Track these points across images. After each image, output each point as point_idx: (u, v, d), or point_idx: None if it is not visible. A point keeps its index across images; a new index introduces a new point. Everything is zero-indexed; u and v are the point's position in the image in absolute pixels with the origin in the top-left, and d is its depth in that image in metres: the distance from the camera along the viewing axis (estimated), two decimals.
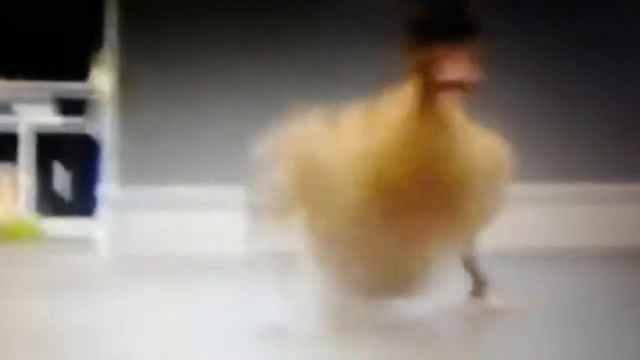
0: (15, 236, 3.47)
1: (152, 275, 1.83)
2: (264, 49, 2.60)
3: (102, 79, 3.98)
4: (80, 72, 4.29)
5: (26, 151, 4.23)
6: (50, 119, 4.28)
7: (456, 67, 1.11)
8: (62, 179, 4.34)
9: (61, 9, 4.34)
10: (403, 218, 1.14)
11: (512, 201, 1.18)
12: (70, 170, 4.32)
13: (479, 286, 1.25)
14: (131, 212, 2.39)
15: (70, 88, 4.26)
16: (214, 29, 2.67)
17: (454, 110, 1.15)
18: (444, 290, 1.16)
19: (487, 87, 1.20)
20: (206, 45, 2.63)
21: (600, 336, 1.07)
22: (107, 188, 2.50)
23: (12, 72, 4.27)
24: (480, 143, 1.19)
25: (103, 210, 2.52)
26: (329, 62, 2.51)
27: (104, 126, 3.62)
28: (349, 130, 1.18)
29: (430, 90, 1.12)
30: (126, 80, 2.82)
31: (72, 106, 4.29)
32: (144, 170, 2.48)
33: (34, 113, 4.25)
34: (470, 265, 1.26)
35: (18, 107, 4.26)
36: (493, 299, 1.23)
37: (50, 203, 4.22)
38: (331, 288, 1.15)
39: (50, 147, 4.28)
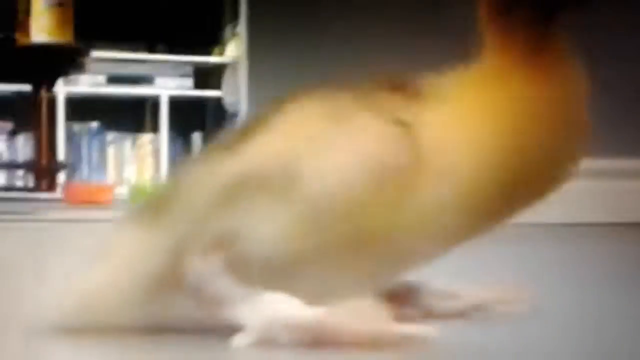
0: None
1: None
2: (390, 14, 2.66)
3: (235, 51, 4.14)
4: (215, 45, 4.45)
5: (165, 119, 4.40)
6: (187, 89, 4.46)
7: None
8: (198, 145, 4.50)
9: None
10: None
11: None
12: (205, 137, 4.48)
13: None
14: None
15: (206, 60, 4.42)
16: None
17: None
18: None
19: None
20: (330, 13, 2.70)
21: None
22: None
23: (152, 45, 4.44)
24: None
25: None
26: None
27: (236, 95, 3.77)
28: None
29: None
30: (255, 52, 2.95)
31: (207, 77, 4.44)
32: None
33: (172, 84, 4.43)
34: None
35: (159, 79, 4.44)
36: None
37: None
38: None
39: (187, 115, 4.43)
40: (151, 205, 0.90)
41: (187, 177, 0.87)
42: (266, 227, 0.83)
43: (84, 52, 3.77)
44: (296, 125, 0.86)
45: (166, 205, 0.87)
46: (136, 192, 3.71)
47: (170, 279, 0.84)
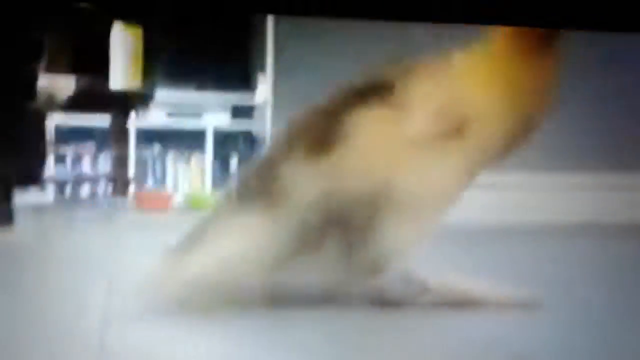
0: (199, 205, 4.06)
1: None
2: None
3: (264, 90, 4.20)
4: (249, 85, 4.86)
5: (210, 145, 4.87)
6: (226, 121, 4.90)
7: None
8: (235, 166, 4.89)
9: (233, 37, 4.95)
10: None
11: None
12: (239, 159, 4.89)
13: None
14: None
15: (242, 97, 4.87)
16: (351, 43, 3.07)
17: None
18: None
19: None
20: (348, 55, 2.89)
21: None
22: None
23: (200, 85, 4.97)
24: None
25: None
26: None
27: (265, 126, 4.09)
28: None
29: None
30: (280, 92, 3.39)
31: (243, 111, 4.90)
32: None
33: (215, 116, 4.89)
34: None
35: (205, 113, 4.91)
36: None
37: (225, 182, 4.63)
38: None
39: (226, 141, 4.88)
40: (257, 197, 0.82)
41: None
42: None
43: (150, 95, 4.59)
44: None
45: (280, 198, 0.83)
46: (193, 199, 4.26)
47: (301, 248, 0.79)
